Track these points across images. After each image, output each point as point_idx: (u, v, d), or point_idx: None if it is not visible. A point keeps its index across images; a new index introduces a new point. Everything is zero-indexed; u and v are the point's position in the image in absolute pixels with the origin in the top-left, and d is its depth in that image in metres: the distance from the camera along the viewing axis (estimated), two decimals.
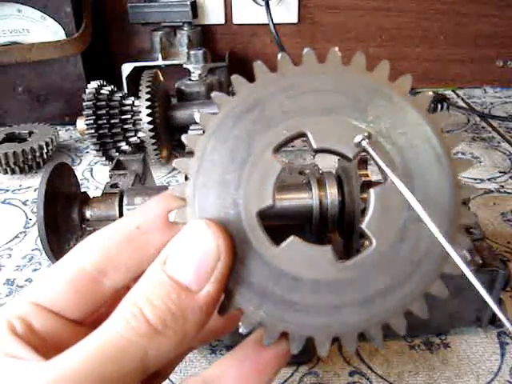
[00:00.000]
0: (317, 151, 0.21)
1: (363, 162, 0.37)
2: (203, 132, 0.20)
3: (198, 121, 0.21)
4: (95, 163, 0.73)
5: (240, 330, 0.20)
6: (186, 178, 0.20)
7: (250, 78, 0.22)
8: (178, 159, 0.20)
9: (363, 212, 0.21)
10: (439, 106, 0.73)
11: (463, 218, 0.20)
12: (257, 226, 0.20)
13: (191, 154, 0.20)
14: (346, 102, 0.21)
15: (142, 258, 0.20)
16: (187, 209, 0.20)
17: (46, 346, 0.18)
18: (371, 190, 0.20)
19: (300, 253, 0.20)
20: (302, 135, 0.20)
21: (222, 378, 0.20)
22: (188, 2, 0.84)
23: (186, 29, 0.86)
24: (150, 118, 0.63)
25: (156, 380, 0.24)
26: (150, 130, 0.64)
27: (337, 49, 0.21)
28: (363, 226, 0.20)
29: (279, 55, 0.21)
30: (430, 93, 0.21)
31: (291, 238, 0.20)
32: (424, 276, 0.20)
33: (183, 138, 0.20)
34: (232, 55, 0.92)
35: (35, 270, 0.51)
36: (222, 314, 0.20)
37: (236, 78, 0.21)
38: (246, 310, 0.20)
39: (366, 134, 0.19)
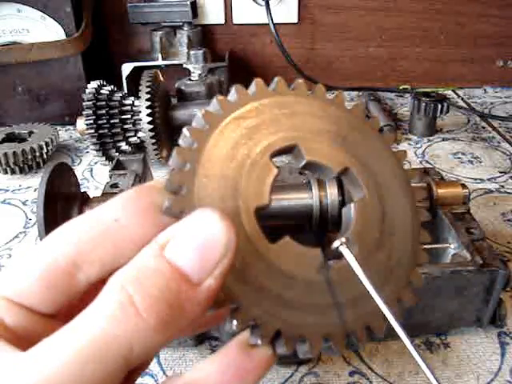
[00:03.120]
0: (306, 164, 0.23)
1: None
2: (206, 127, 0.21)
3: (199, 116, 0.21)
4: (95, 163, 0.73)
5: (234, 327, 0.19)
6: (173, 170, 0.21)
7: (249, 78, 0.23)
8: (179, 147, 0.21)
9: None
10: (439, 106, 0.73)
11: (422, 237, 0.23)
12: (254, 221, 0.20)
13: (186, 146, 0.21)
14: (331, 128, 0.23)
15: (120, 253, 0.19)
16: (184, 198, 0.19)
17: (19, 341, 0.17)
18: (352, 204, 0.22)
19: (293, 252, 0.21)
20: (294, 147, 0.23)
21: (204, 382, 0.19)
22: (188, 2, 0.84)
23: (186, 29, 0.86)
24: (149, 118, 0.63)
25: (135, 371, 0.22)
26: (150, 130, 0.64)
27: (321, 85, 0.24)
28: (348, 234, 0.22)
29: (276, 79, 0.23)
30: (392, 135, 0.24)
31: (286, 238, 0.21)
32: (397, 283, 0.22)
33: (184, 128, 0.21)
34: (232, 55, 0.93)
35: None
36: (216, 308, 0.19)
37: (237, 87, 0.22)
38: (241, 306, 0.19)
39: (343, 240, 0.21)
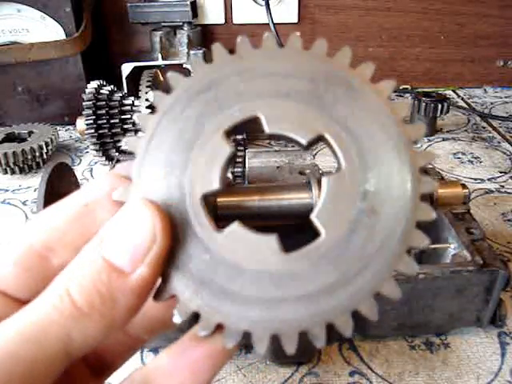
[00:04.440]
0: (270, 136, 0.20)
1: None
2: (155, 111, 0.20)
3: (151, 100, 0.20)
4: (95, 163, 0.73)
5: (173, 319, 0.19)
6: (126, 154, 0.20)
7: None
8: (128, 137, 0.20)
9: None
10: (439, 106, 0.73)
11: (420, 213, 0.19)
12: (201, 210, 0.19)
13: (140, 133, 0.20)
14: (303, 87, 0.20)
15: (90, 236, 0.19)
16: (131, 188, 0.19)
17: None
18: (324, 178, 0.19)
19: (243, 240, 0.19)
20: (255, 119, 0.20)
21: (159, 373, 0.20)
22: (188, 2, 0.84)
23: (185, 29, 0.86)
24: None
25: (105, 371, 0.23)
26: None
27: (298, 33, 0.20)
28: (312, 215, 0.19)
29: (238, 38, 0.21)
30: (393, 81, 0.20)
31: (234, 225, 0.19)
32: (375, 274, 0.18)
33: (135, 116, 0.20)
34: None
35: None
36: (157, 299, 0.19)
37: (193, 59, 0.21)
38: (182, 297, 0.19)
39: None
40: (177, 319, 0.19)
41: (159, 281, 0.19)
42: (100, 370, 0.23)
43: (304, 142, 0.19)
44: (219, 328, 0.19)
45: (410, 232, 0.19)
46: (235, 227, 0.19)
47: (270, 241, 0.19)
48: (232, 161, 0.20)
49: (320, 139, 0.20)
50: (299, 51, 0.20)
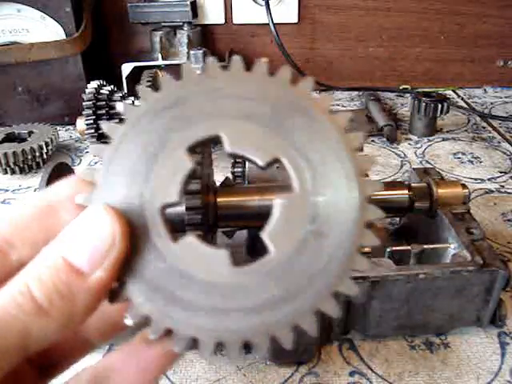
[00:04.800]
0: (231, 155, 0.21)
1: None
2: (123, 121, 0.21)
3: (120, 111, 0.21)
4: (95, 163, 0.73)
5: (125, 321, 0.20)
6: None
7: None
8: (95, 145, 0.21)
9: None
10: (439, 106, 0.73)
11: (364, 240, 0.20)
12: (158, 220, 0.20)
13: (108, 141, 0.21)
14: (265, 112, 0.21)
15: (51, 236, 0.20)
16: (94, 193, 0.20)
17: None
18: (276, 199, 0.20)
19: (196, 252, 0.20)
20: (217, 138, 0.21)
21: (111, 371, 0.21)
22: (188, 2, 0.84)
23: (185, 29, 0.86)
24: None
25: (51, 372, 0.24)
26: None
27: (264, 60, 0.22)
28: (263, 233, 0.20)
29: (208, 60, 0.22)
30: (349, 113, 0.21)
31: (190, 237, 0.20)
32: (317, 292, 0.20)
33: (102, 124, 0.21)
34: (232, 55, 0.92)
35: None
36: (111, 301, 0.20)
37: (163, 76, 0.21)
38: (135, 301, 0.20)
39: None
40: (128, 321, 0.20)
41: (115, 283, 0.20)
42: (46, 370, 0.23)
43: (261, 163, 0.21)
44: (168, 332, 0.20)
45: (352, 256, 0.20)
46: (190, 239, 0.20)
47: (222, 255, 0.20)
48: (193, 175, 0.21)
49: (276, 161, 0.21)
50: (265, 77, 0.21)
